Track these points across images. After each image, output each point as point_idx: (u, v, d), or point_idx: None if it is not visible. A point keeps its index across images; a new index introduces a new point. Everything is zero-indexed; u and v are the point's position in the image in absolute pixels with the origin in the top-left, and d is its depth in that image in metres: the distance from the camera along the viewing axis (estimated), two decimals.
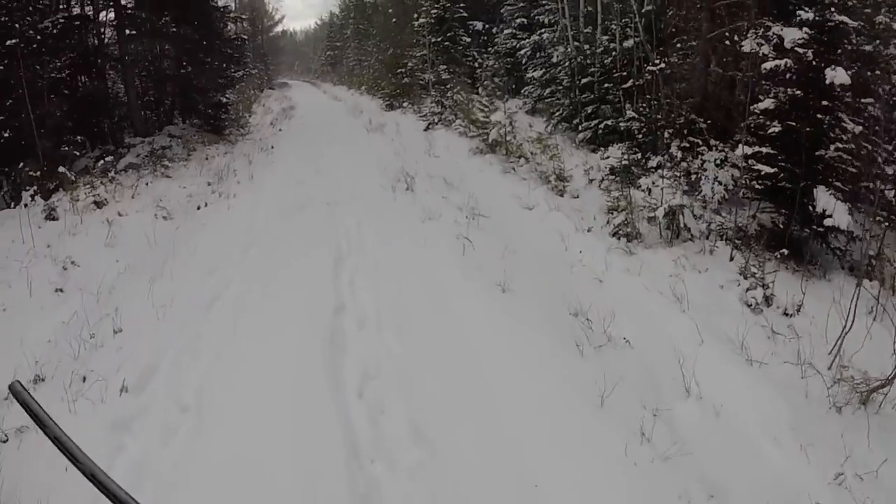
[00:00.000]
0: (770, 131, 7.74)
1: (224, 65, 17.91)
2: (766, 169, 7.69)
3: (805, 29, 7.56)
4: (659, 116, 10.74)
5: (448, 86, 17.83)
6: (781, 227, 7.68)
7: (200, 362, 4.82)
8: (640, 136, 10.89)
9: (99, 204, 9.47)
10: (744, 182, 8.39)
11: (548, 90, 14.97)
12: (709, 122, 10.55)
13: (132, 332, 5.40)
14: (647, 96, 11.06)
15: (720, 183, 9.70)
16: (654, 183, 9.53)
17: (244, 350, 4.99)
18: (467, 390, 4.38)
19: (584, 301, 5.68)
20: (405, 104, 21.74)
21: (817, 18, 7.76)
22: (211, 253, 7.34)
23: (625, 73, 12.10)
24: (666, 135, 10.56)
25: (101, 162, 11.54)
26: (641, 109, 11.04)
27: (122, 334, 5.41)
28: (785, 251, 7.02)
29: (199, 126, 16.61)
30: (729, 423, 4.10)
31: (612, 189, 9.28)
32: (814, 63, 7.46)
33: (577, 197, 9.76)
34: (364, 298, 5.79)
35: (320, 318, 5.43)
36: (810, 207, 7.14)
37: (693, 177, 10.03)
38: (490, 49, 20.84)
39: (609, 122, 12.15)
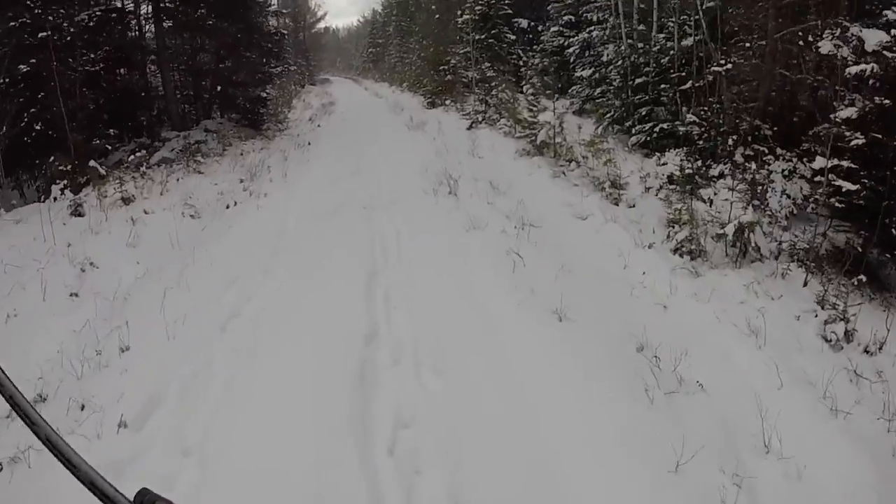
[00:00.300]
0: (852, 143, 6.87)
1: (263, 59, 17.49)
2: (847, 185, 6.83)
3: (893, 31, 6.75)
4: (721, 121, 9.86)
5: (493, 84, 17.06)
6: (859, 249, 6.82)
7: (209, 395, 4.17)
8: (701, 141, 10.01)
9: (126, 200, 8.99)
10: (819, 198, 7.55)
11: (598, 90, 14.13)
12: (775, 128, 9.67)
13: (140, 352, 4.80)
14: (710, 99, 10.17)
15: (788, 196, 8.85)
16: (716, 193, 8.70)
17: (259, 383, 4.32)
18: (519, 446, 3.64)
19: (650, 332, 4.92)
20: (447, 102, 21.03)
21: None
22: (234, 259, 6.70)
23: (683, 74, 11.21)
24: (730, 141, 9.69)
25: (133, 156, 11.14)
26: (702, 113, 10.16)
27: (130, 353, 4.81)
28: (863, 278, 6.32)
29: (236, 121, 16.19)
30: (812, 488, 3.52)
31: (673, 199, 8.46)
32: None
33: (634, 206, 8.93)
34: (400, 324, 5.05)
35: (349, 346, 4.70)
36: (893, 230, 6.52)
37: (759, 188, 9.20)
38: (536, 47, 20.03)
39: (665, 126, 11.29)
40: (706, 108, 10.12)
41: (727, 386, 4.40)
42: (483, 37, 19.55)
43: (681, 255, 7.39)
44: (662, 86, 11.53)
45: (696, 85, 10.73)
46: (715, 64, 9.73)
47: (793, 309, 5.63)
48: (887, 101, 6.69)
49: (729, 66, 9.29)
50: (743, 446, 3.80)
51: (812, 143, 9.69)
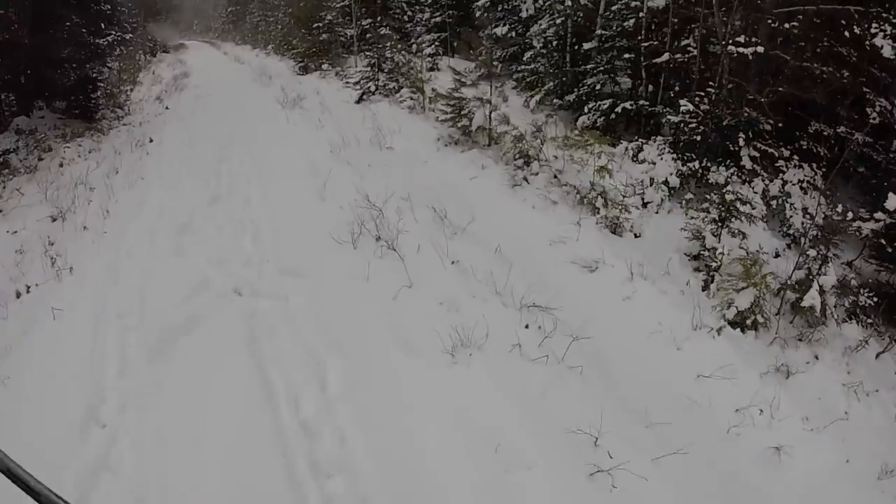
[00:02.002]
0: None
1: (98, 25, 12.63)
2: None
3: None
4: (722, 112, 7.04)
5: (388, 44, 13.21)
6: None
7: None
8: (698, 136, 7.13)
9: None
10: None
11: (527, 54, 10.85)
12: (779, 125, 7.13)
13: None
14: (710, 83, 7.26)
15: (811, 216, 6.43)
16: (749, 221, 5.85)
17: None
18: None
19: None
20: (323, 66, 16.70)
21: None
22: None
23: (655, 43, 8.22)
24: (741, 140, 6.96)
25: None
26: (697, 99, 7.27)
27: None
28: None
29: (62, 111, 11.51)
30: None
31: (700, 229, 5.62)
32: None
33: (640, 236, 6.04)
34: None
35: None
36: None
37: (774, 202, 6.69)
38: None
39: (628, 106, 8.35)
40: (702, 94, 7.24)
41: None
42: None
43: (742, 330, 4.84)
44: (626, 55, 8.45)
45: (677, 59, 7.80)
46: (727, 41, 6.80)
47: (888, 407, 4.52)
48: None
49: (759, 48, 6.46)
50: None
51: (812, 142, 7.36)
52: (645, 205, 6.53)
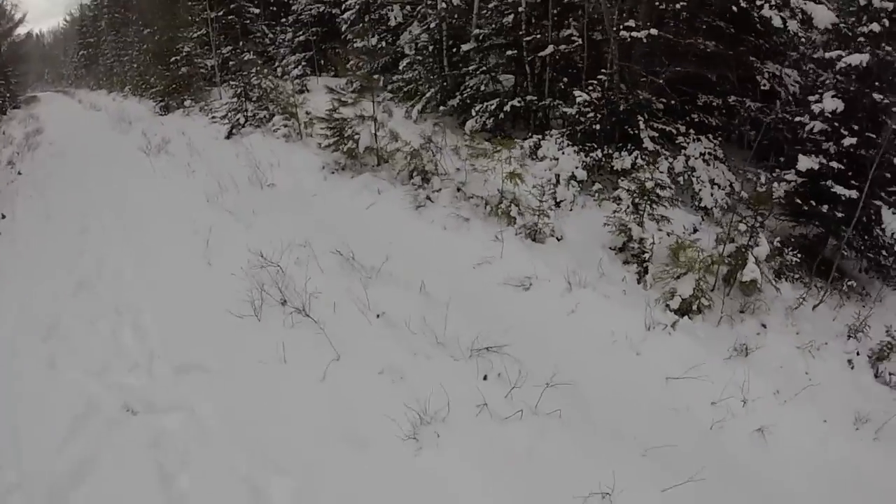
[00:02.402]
0: (847, 143, 5.65)
1: None
2: (843, 191, 5.64)
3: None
4: (617, 98, 6.75)
5: (253, 70, 12.09)
6: (843, 253, 6.03)
7: None
8: (597, 125, 6.80)
9: None
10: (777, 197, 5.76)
11: (401, 63, 10.23)
12: (671, 102, 6.97)
13: None
14: (603, 70, 6.92)
15: (720, 187, 6.32)
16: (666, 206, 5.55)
17: None
18: None
19: None
20: (186, 102, 15.24)
21: None
22: None
23: (538, 36, 7.81)
24: (641, 124, 6.68)
25: None
26: (589, 88, 6.94)
27: None
28: (853, 283, 5.72)
29: None
30: None
31: (624, 221, 5.26)
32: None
33: (562, 238, 5.58)
34: None
35: None
36: (878, 231, 5.77)
37: (681, 178, 6.50)
38: (285, 20, 15.37)
39: (516, 103, 7.91)
40: (594, 83, 6.91)
41: None
42: (221, 14, 14.37)
43: (689, 317, 4.50)
44: (508, 52, 8.00)
45: (562, 49, 7.41)
46: (618, 27, 6.49)
47: (839, 355, 4.76)
48: (881, 97, 5.51)
49: (652, 31, 6.20)
50: None
51: (703, 115, 7.29)
52: (558, 204, 6.11)
